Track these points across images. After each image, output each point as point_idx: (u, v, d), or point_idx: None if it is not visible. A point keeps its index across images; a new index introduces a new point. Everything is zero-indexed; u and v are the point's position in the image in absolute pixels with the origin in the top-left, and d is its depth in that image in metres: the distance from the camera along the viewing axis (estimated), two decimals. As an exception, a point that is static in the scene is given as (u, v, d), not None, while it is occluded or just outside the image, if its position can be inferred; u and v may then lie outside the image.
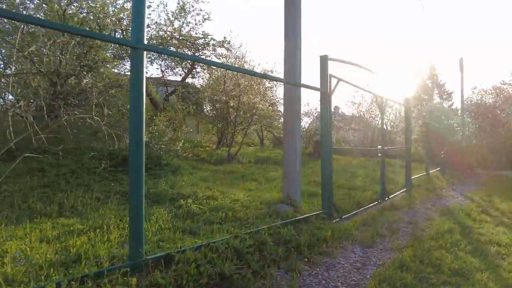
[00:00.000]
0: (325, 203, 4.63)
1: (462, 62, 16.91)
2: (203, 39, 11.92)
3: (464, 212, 5.39)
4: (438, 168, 12.30)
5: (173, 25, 11.57)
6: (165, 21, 11.60)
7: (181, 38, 11.54)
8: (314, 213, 4.42)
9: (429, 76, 33.34)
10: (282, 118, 10.50)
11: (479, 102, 29.15)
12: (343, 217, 4.71)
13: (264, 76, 12.13)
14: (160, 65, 14.04)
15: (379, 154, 6.83)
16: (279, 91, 15.27)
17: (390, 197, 6.43)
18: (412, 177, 8.24)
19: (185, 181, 6.40)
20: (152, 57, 12.77)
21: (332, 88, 4.83)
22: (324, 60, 4.78)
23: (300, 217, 4.12)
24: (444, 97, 32.57)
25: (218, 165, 9.57)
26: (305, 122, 17.67)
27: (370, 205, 5.72)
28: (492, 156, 23.85)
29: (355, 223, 4.44)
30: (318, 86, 4.80)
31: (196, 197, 5.07)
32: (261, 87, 12.09)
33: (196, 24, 11.75)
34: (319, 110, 8.23)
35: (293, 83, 5.09)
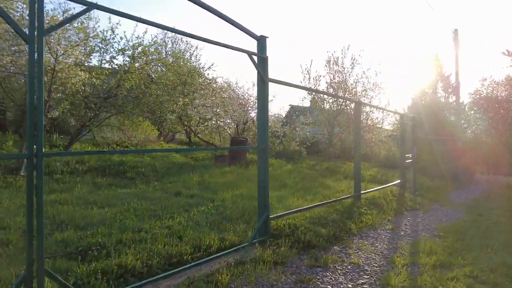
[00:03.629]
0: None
1: (457, 35, 14.05)
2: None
3: None
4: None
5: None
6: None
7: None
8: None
9: (438, 72, 30.16)
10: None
11: (490, 95, 26.12)
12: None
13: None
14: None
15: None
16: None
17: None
18: (340, 198, 5.75)
19: None
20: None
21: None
22: None
23: None
24: (449, 90, 29.36)
25: None
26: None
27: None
28: (500, 158, 20.94)
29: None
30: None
31: None
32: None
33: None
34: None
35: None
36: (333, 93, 13.09)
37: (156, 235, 3.58)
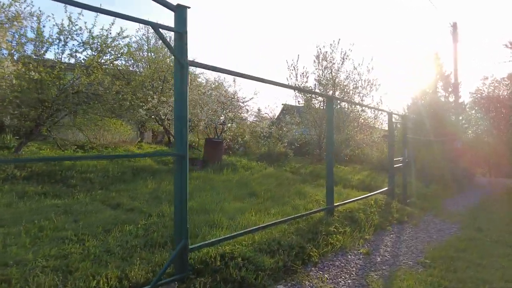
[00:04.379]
0: None
1: (455, 29, 13.06)
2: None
3: None
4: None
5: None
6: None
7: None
8: None
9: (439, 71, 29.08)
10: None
11: (491, 94, 25.18)
12: None
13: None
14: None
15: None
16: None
17: None
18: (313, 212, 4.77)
19: None
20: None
21: None
22: None
23: None
24: (450, 90, 28.30)
25: None
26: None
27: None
28: (502, 159, 19.95)
29: None
30: None
31: None
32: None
33: None
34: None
35: None
36: (322, 91, 12.12)
37: (34, 271, 2.64)
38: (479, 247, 4.32)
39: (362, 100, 12.57)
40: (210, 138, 9.52)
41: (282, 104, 20.29)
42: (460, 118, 28.63)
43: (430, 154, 11.87)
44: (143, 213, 4.59)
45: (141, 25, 18.32)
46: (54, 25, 8.29)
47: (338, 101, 12.36)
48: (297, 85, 12.01)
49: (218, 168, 8.84)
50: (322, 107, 12.39)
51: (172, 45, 2.77)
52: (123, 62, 12.62)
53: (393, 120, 7.86)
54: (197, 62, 2.88)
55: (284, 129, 13.40)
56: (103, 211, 4.65)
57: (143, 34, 16.51)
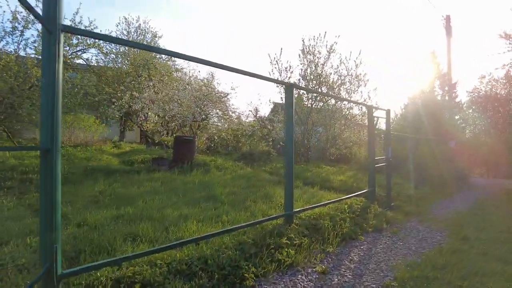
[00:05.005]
0: None
1: (449, 21, 12.36)
2: None
3: None
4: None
5: None
6: None
7: None
8: None
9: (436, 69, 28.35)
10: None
11: (489, 93, 24.54)
12: None
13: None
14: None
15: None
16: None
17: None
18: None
19: None
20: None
21: None
22: None
23: None
24: (446, 88, 27.59)
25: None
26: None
27: None
28: (500, 158, 19.23)
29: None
30: None
31: None
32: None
33: None
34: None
35: None
36: (306, 86, 11.39)
37: None
38: (463, 262, 3.59)
39: (350, 96, 11.86)
40: (180, 136, 8.77)
41: (273, 103, 19.57)
42: (457, 117, 27.96)
43: (423, 153, 11.16)
44: (68, 220, 3.86)
45: (121, 18, 17.41)
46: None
47: (326, 98, 11.63)
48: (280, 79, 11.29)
49: (188, 169, 8.13)
50: (308, 104, 11.67)
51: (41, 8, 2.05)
52: (100, 57, 11.88)
53: (382, 116, 7.17)
54: (74, 28, 2.15)
55: (269, 127, 12.69)
56: (22, 218, 3.93)
57: (124, 29, 15.84)
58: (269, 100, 14.02)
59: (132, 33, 16.54)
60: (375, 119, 6.79)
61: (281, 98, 12.59)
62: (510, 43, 7.46)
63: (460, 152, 14.53)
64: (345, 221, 4.58)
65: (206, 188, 6.19)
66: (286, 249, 3.33)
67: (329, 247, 3.79)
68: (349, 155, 11.69)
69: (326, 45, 11.30)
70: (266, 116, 18.29)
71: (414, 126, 20.24)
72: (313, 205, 4.55)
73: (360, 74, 11.62)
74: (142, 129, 11.81)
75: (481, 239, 4.67)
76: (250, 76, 3.48)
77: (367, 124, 12.77)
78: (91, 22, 9.72)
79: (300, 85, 11.67)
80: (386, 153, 7.08)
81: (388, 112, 7.15)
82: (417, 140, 12.48)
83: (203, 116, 10.13)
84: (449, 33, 12.45)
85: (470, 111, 25.82)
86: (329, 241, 3.90)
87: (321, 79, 11.33)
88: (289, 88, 4.06)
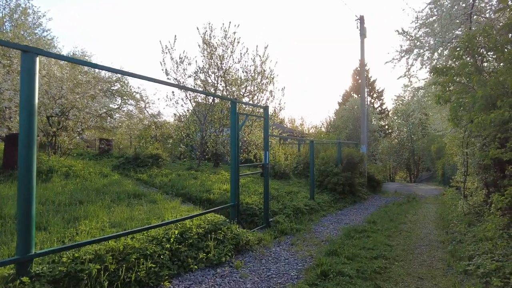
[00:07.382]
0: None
1: (363, 22, 11.83)
2: None
3: None
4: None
5: None
6: None
7: None
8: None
9: (358, 72, 28.97)
10: None
11: (412, 101, 25.55)
12: None
13: None
14: None
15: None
16: None
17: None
18: None
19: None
20: None
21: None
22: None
23: None
24: (375, 95, 28.41)
25: None
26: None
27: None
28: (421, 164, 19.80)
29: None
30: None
31: None
32: None
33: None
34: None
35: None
36: (204, 79, 9.87)
37: None
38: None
39: (263, 94, 10.60)
40: (13, 134, 6.58)
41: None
42: (383, 123, 28.81)
43: (331, 159, 10.27)
44: None
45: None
46: None
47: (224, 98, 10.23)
48: (173, 71, 9.61)
49: (16, 175, 6.01)
50: (206, 102, 10.14)
51: None
52: None
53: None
54: None
55: (169, 128, 10.91)
56: None
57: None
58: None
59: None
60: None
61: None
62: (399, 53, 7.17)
63: (362, 156, 14.15)
64: (154, 257, 3.02)
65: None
66: None
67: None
68: (253, 159, 10.39)
69: (228, 36, 9.92)
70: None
71: (336, 130, 20.02)
72: (80, 242, 2.89)
73: (268, 69, 10.44)
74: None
75: (344, 274, 3.44)
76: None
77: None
78: None
79: (202, 78, 10.12)
80: (264, 158, 5.78)
81: (266, 108, 5.85)
82: (328, 145, 11.70)
83: (57, 110, 7.93)
84: (363, 34, 11.92)
85: (395, 117, 26.75)
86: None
87: (223, 73, 9.90)
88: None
